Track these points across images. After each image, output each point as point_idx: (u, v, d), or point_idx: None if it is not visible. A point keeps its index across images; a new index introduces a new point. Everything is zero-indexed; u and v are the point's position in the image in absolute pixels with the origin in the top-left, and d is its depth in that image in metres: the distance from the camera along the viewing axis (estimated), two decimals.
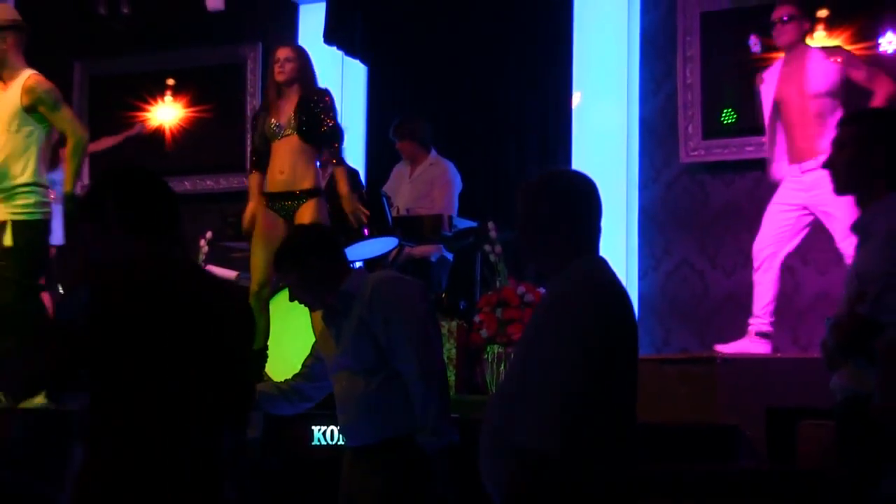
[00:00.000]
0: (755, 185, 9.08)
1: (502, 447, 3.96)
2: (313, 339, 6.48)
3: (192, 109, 11.74)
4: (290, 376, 5.49)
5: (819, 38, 9.25)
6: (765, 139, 8.33)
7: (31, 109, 7.50)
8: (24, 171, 7.44)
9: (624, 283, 9.76)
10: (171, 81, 11.80)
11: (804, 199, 7.74)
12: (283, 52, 7.93)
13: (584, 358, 3.76)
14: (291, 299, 4.93)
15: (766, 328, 8.09)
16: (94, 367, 3.61)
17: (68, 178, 7.45)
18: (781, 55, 8.26)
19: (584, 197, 4.19)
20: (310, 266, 4.85)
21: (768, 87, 8.23)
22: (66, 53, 11.68)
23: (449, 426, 4.80)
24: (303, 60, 7.78)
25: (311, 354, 5.47)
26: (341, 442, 6.69)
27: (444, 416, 4.81)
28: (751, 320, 8.16)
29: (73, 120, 7.70)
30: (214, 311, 3.83)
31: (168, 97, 11.83)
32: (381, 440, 4.94)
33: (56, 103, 7.52)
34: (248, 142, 8.71)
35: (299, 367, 5.40)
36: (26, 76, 7.49)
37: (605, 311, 3.92)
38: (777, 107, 8.07)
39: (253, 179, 8.02)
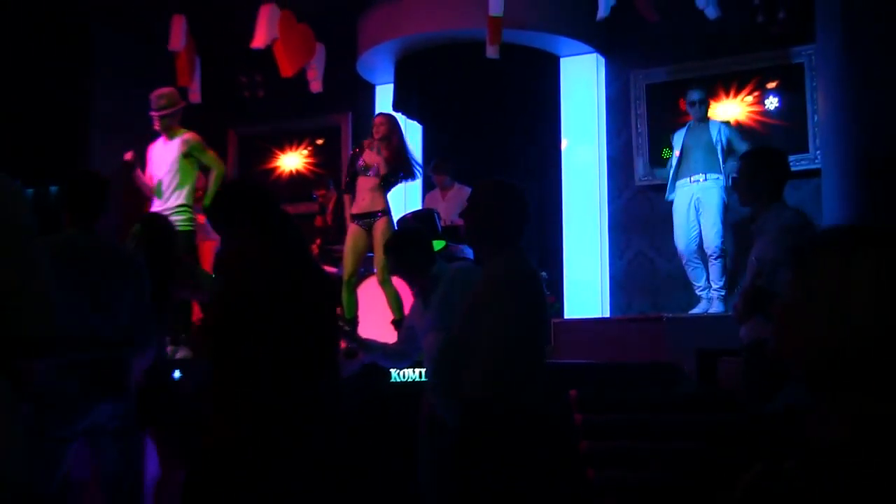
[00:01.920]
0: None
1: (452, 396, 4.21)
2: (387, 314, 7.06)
3: (308, 158, 11.74)
4: (379, 340, 5.53)
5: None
6: None
7: (186, 156, 7.86)
8: (179, 197, 7.77)
9: (599, 267, 9.73)
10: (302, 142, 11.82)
11: None
12: (378, 118, 7.95)
13: (513, 326, 3.93)
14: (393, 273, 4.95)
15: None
16: (223, 332, 3.54)
17: (210, 196, 7.43)
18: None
19: (515, 201, 4.18)
20: (409, 255, 4.92)
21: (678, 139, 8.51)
22: (222, 122, 11.68)
23: None
24: (391, 124, 7.76)
25: (405, 325, 5.43)
26: (415, 379, 6.71)
27: None
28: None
29: (216, 158, 8.04)
30: (311, 292, 3.76)
31: (292, 150, 11.84)
32: None
33: (203, 148, 7.89)
34: (344, 172, 8.62)
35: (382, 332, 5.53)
36: (182, 134, 7.85)
37: (526, 292, 4.05)
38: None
39: (346, 198, 8.07)
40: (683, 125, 8.61)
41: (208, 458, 3.58)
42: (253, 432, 3.51)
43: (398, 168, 7.64)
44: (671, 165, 8.51)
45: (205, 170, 7.93)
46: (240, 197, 3.90)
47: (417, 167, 8.01)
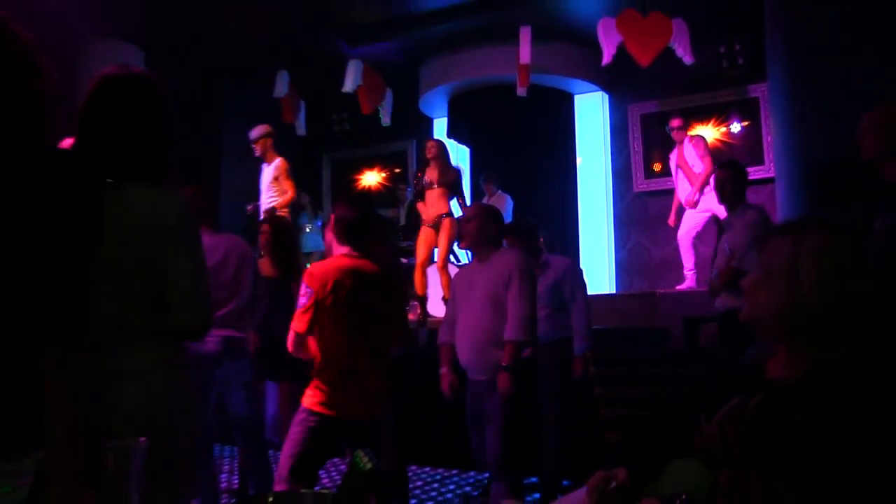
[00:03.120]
0: (669, 202, 8.90)
1: (492, 343, 4.12)
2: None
3: (383, 176, 11.81)
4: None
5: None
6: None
7: (276, 179, 7.94)
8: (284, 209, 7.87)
9: (606, 254, 9.66)
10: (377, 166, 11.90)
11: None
12: (429, 142, 7.98)
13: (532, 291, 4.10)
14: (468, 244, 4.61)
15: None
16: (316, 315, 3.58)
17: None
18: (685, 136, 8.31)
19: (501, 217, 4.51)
20: (489, 228, 4.34)
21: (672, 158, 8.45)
22: (318, 149, 11.79)
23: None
24: (440, 147, 7.82)
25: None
26: None
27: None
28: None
29: (291, 186, 8.03)
30: (387, 279, 3.80)
31: (370, 170, 11.92)
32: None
33: (286, 175, 7.95)
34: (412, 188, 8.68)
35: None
36: (278, 160, 7.94)
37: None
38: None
39: (420, 206, 8.03)
40: (672, 146, 8.58)
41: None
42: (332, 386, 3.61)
43: (447, 181, 7.74)
44: None
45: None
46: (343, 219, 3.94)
47: (461, 184, 8.08)
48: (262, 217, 7.69)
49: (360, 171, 11.98)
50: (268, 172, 8.02)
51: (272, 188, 7.96)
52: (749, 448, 1.43)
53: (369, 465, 1.03)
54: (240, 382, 4.50)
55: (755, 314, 1.58)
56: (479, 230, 4.31)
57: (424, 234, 7.85)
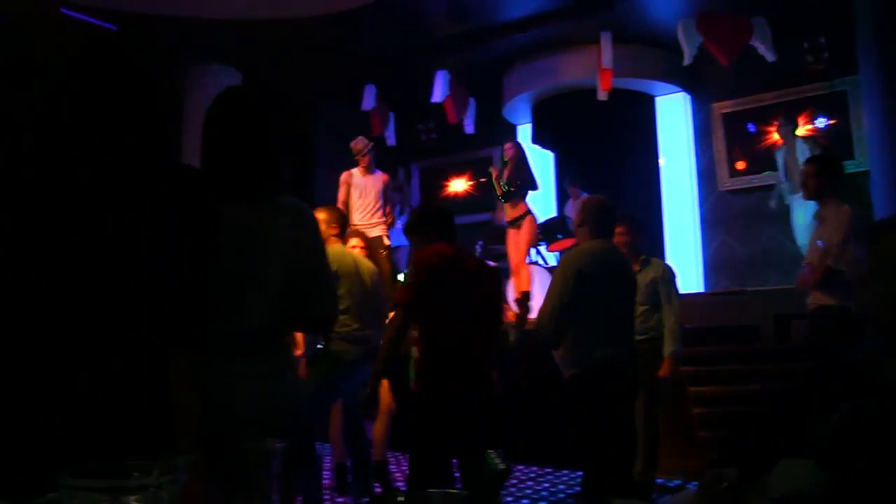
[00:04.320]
0: (754, 200, 8.71)
1: None
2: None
3: (475, 181, 11.80)
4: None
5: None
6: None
7: (383, 192, 8.02)
8: (378, 216, 7.88)
9: (693, 253, 9.46)
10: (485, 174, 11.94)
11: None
12: (507, 145, 8.08)
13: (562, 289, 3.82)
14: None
15: None
16: (418, 310, 3.64)
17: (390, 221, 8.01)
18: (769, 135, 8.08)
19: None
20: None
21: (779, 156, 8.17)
22: (407, 159, 11.88)
23: None
24: (517, 149, 7.83)
25: None
26: None
27: None
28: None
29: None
30: (478, 279, 3.83)
31: (457, 177, 11.95)
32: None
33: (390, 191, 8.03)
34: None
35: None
36: (379, 173, 7.95)
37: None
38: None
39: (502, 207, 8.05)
40: (755, 144, 8.39)
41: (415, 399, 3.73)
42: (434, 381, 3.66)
43: (518, 180, 7.69)
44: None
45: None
46: (427, 215, 4.02)
47: (536, 181, 8.06)
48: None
49: (447, 178, 12.02)
50: (370, 182, 8.10)
51: (380, 198, 8.00)
52: (867, 452, 1.37)
53: (502, 466, 1.02)
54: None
55: (868, 311, 1.52)
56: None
57: (509, 235, 7.88)
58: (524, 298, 7.64)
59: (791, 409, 1.68)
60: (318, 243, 2.27)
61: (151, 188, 1.61)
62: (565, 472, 6.18)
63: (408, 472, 3.74)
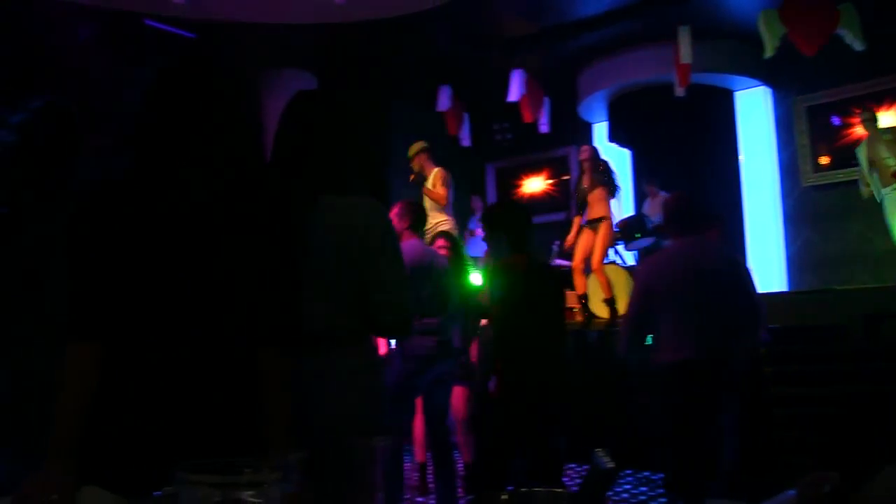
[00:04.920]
0: (840, 196, 8.45)
1: None
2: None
3: (549, 181, 11.77)
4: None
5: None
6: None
7: (433, 185, 7.68)
8: (435, 216, 7.59)
9: (777, 251, 9.20)
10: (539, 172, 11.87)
11: None
12: (582, 147, 7.97)
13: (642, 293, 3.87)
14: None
15: None
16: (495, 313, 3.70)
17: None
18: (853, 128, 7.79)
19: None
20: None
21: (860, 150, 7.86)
22: (482, 159, 11.89)
23: None
24: (592, 150, 7.75)
25: None
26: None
27: None
28: None
29: (436, 195, 7.69)
30: (548, 279, 3.85)
31: (533, 175, 11.89)
32: None
33: (441, 183, 7.66)
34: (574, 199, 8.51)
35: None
36: (436, 169, 7.70)
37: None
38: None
39: (577, 219, 7.93)
40: (840, 137, 8.13)
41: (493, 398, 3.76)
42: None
43: (600, 182, 7.62)
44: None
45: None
46: (507, 218, 4.03)
47: (616, 181, 7.92)
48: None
49: (522, 178, 11.98)
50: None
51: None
52: None
53: (610, 465, 1.01)
54: (450, 380, 4.75)
55: None
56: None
57: (583, 235, 7.79)
58: (609, 302, 7.59)
59: (865, 412, 1.62)
60: (388, 244, 2.18)
61: (245, 192, 1.65)
62: (646, 473, 6.10)
63: (469, 470, 3.81)
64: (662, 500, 5.37)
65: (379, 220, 2.16)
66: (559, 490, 1.06)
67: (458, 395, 5.54)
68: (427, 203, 7.72)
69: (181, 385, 1.59)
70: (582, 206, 7.79)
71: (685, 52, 8.06)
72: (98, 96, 2.49)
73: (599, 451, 1.07)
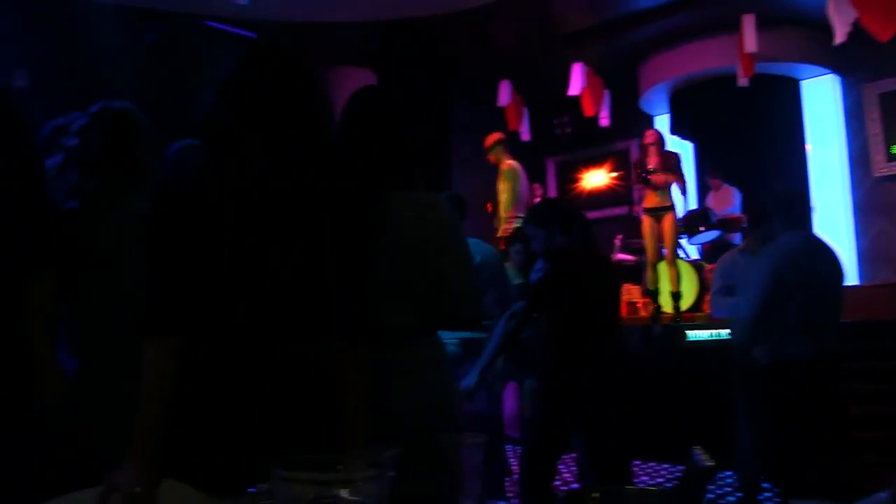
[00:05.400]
0: None
1: None
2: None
3: (612, 175, 11.64)
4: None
5: None
6: None
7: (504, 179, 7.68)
8: (509, 210, 7.63)
9: (847, 244, 8.97)
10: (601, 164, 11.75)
11: None
12: (648, 131, 7.84)
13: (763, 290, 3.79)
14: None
15: None
16: (546, 305, 3.65)
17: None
18: None
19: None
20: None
21: None
22: (542, 154, 11.82)
23: None
24: (658, 135, 7.62)
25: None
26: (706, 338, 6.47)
27: None
28: None
29: (507, 189, 7.72)
30: (605, 273, 3.81)
31: (595, 168, 11.79)
32: None
33: (503, 177, 7.73)
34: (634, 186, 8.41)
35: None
36: (512, 163, 7.75)
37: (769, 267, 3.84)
38: None
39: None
40: None
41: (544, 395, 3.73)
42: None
43: (668, 163, 7.50)
44: None
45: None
46: (553, 210, 4.01)
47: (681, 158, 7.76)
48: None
49: (583, 172, 11.89)
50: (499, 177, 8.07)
51: (504, 191, 7.98)
52: None
53: (709, 463, 0.98)
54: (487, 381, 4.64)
55: None
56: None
57: (648, 226, 7.64)
58: (676, 297, 7.46)
59: None
60: (455, 239, 2.21)
61: (322, 185, 1.65)
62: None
63: (520, 466, 3.78)
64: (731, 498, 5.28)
65: (448, 214, 2.18)
66: (653, 488, 1.03)
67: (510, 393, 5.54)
68: (503, 196, 7.76)
69: (259, 380, 1.59)
70: (646, 184, 7.66)
71: (750, 41, 7.88)
72: (166, 97, 2.53)
73: (697, 449, 1.03)
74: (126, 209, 2.36)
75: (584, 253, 3.86)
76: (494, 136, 7.98)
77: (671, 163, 7.43)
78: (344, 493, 0.74)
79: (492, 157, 7.91)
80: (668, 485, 5.65)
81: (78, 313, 2.30)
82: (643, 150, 7.69)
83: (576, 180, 11.95)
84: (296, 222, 1.62)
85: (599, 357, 3.68)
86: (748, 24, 7.93)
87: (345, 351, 1.67)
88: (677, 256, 7.65)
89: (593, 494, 1.06)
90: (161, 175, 2.51)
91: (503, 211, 7.82)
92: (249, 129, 1.62)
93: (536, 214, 4.01)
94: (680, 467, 5.88)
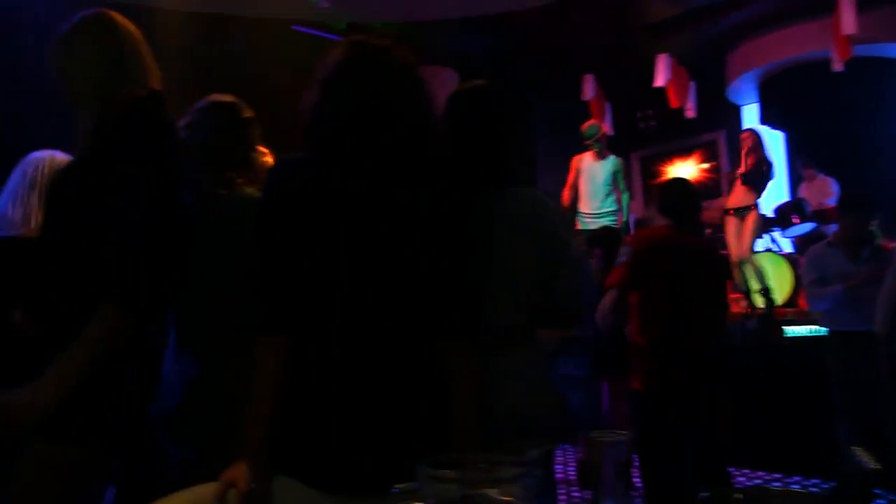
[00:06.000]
0: None
1: None
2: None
3: (704, 167, 11.37)
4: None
5: None
6: None
7: (613, 174, 7.71)
8: (612, 204, 7.60)
9: None
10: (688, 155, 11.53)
11: None
12: (744, 134, 7.83)
13: None
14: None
15: None
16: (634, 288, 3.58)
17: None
18: None
19: None
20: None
21: None
22: (627, 148, 11.65)
23: None
24: (754, 137, 7.47)
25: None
26: (804, 334, 6.26)
27: None
28: None
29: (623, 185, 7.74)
30: (701, 261, 3.70)
31: (682, 160, 11.57)
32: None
33: (626, 174, 7.87)
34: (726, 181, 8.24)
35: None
36: (612, 157, 7.76)
37: None
38: None
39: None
40: None
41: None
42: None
43: (760, 170, 7.30)
44: None
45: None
46: (668, 194, 3.90)
47: (773, 167, 7.67)
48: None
49: (668, 164, 11.67)
50: (601, 169, 8.00)
51: (608, 183, 7.88)
52: None
53: (874, 465, 0.92)
54: (579, 379, 4.59)
55: None
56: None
57: (729, 223, 7.52)
58: (765, 292, 7.25)
59: None
60: (559, 232, 2.22)
61: (432, 182, 1.63)
62: (797, 478, 5.73)
63: (582, 466, 3.72)
64: None
65: (554, 209, 2.17)
66: (800, 490, 0.98)
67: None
68: (590, 188, 7.73)
69: (370, 379, 1.59)
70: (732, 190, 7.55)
71: (848, 22, 7.58)
72: (256, 103, 2.56)
73: (858, 450, 0.97)
74: (237, 202, 2.38)
75: (679, 238, 3.72)
76: (599, 124, 7.95)
77: (763, 169, 7.37)
78: (492, 492, 0.71)
79: (598, 144, 7.85)
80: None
81: (187, 311, 2.32)
82: (741, 149, 7.63)
83: (660, 174, 11.73)
84: (406, 222, 1.60)
85: (700, 354, 3.57)
86: (846, 3, 7.63)
87: (457, 352, 1.65)
88: (756, 252, 7.51)
89: (736, 495, 1.01)
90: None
91: (613, 204, 7.81)
92: (358, 127, 1.61)
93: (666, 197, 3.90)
94: (776, 475, 5.72)
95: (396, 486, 0.94)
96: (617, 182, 7.88)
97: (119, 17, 2.03)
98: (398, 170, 1.62)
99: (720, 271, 3.89)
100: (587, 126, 7.96)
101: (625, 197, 7.94)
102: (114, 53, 1.97)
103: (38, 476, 1.73)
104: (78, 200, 1.85)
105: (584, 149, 8.02)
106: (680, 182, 4.03)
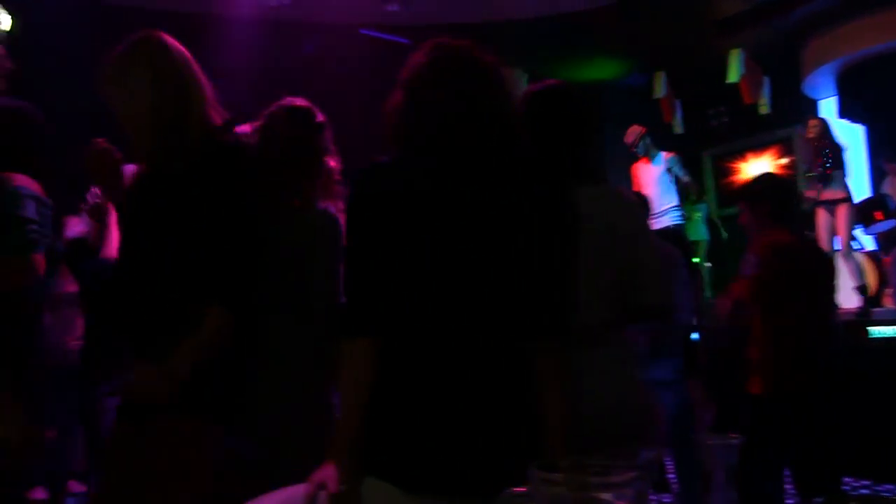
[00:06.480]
0: None
1: None
2: None
3: (781, 162, 11.10)
4: None
5: None
6: None
7: (668, 170, 7.73)
8: (669, 201, 7.54)
9: None
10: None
11: None
12: (812, 121, 7.64)
13: None
14: None
15: None
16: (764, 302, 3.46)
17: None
18: None
19: None
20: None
21: None
22: (697, 147, 11.47)
23: None
24: (822, 125, 7.27)
25: None
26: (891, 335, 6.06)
27: None
28: None
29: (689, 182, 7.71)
30: (815, 267, 3.59)
31: (755, 157, 11.33)
32: None
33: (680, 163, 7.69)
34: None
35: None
36: (660, 154, 7.75)
37: None
38: None
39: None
40: None
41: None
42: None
43: (827, 159, 7.15)
44: None
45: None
46: (778, 196, 3.77)
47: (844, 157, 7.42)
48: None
49: (741, 161, 11.42)
50: (654, 170, 7.93)
51: (658, 186, 7.79)
52: None
53: None
54: (668, 382, 4.51)
55: None
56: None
57: (823, 219, 7.30)
58: (861, 291, 7.05)
59: None
60: (642, 229, 2.21)
61: (519, 187, 1.63)
62: (889, 486, 5.52)
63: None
64: None
65: (636, 206, 2.16)
66: None
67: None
68: (649, 191, 7.63)
69: (458, 381, 1.58)
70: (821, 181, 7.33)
71: None
72: (330, 107, 2.59)
73: None
74: (307, 209, 2.42)
75: (797, 246, 3.63)
76: (639, 129, 7.85)
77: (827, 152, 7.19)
78: (605, 495, 0.70)
79: (639, 156, 7.81)
80: None
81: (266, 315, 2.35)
82: (808, 144, 7.46)
83: (733, 171, 11.49)
84: (498, 222, 1.60)
85: (816, 360, 3.47)
86: None
87: (547, 352, 1.64)
88: (852, 249, 7.25)
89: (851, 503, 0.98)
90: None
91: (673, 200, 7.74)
92: (447, 128, 1.62)
93: (752, 193, 3.79)
94: (865, 482, 5.52)
95: (507, 489, 0.93)
96: (673, 174, 7.81)
97: (167, 38, 2.10)
98: (488, 170, 1.62)
99: (833, 274, 3.78)
100: (627, 136, 7.93)
101: (687, 184, 7.88)
102: (166, 75, 2.05)
103: (169, 444, 2.00)
104: (169, 218, 2.09)
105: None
106: (784, 184, 3.90)
